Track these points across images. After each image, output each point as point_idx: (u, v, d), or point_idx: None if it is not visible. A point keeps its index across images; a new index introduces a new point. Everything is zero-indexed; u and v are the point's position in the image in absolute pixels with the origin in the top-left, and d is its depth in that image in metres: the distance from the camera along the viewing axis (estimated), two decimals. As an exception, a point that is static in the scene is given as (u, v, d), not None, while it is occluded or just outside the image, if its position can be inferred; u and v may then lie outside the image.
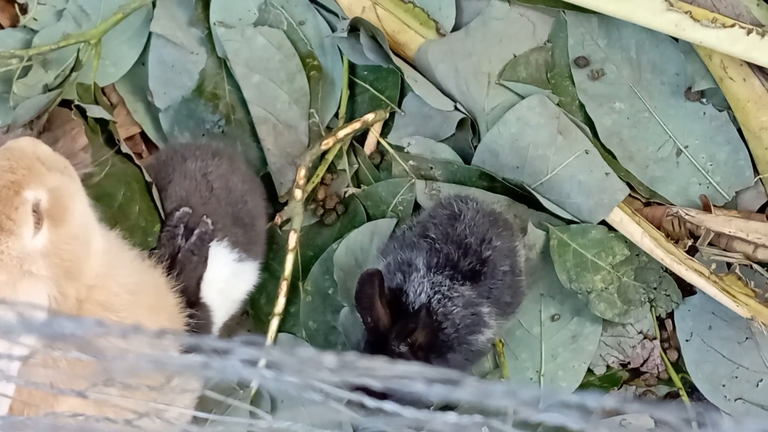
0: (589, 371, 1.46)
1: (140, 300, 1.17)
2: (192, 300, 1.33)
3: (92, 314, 1.10)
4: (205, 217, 1.36)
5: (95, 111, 1.44)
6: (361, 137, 1.54)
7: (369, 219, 1.49)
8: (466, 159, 1.50)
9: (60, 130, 1.44)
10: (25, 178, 1.06)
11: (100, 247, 1.14)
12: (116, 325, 0.50)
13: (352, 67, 1.56)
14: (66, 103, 1.47)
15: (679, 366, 1.47)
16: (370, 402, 0.55)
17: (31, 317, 0.49)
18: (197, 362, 0.51)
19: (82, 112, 1.43)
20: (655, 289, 1.45)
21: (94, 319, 0.50)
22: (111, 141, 1.44)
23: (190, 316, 1.29)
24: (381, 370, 0.49)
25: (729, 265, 1.46)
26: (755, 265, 1.45)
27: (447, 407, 1.36)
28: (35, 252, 1.06)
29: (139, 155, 1.57)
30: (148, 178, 1.38)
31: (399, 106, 1.53)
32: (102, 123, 1.45)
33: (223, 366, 0.50)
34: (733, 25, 1.42)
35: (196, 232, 1.35)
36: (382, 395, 0.57)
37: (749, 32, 1.42)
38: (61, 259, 1.07)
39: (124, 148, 1.42)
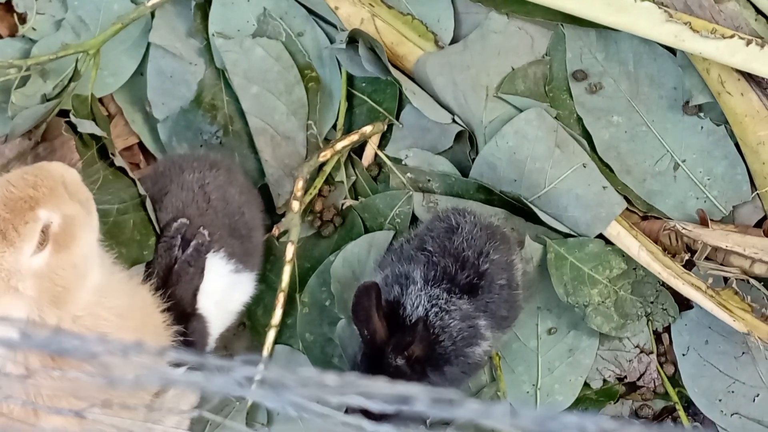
0: (586, 385, 1.45)
1: (128, 323, 1.17)
2: (188, 311, 1.33)
3: None
4: (202, 228, 1.35)
5: (86, 126, 1.43)
6: (359, 149, 1.54)
7: (366, 231, 1.48)
8: (464, 172, 1.50)
9: (57, 140, 1.44)
10: (44, 197, 1.07)
11: (96, 281, 1.14)
12: (118, 342, 0.50)
13: (350, 79, 1.56)
14: (64, 113, 1.46)
15: (675, 380, 1.47)
16: (368, 425, 0.55)
17: (34, 333, 0.49)
18: (199, 379, 0.51)
19: (74, 127, 1.42)
20: (651, 303, 1.45)
21: (96, 336, 0.50)
22: (105, 154, 1.44)
23: (185, 330, 1.29)
24: (382, 389, 0.49)
25: (726, 279, 1.45)
26: (752, 280, 1.45)
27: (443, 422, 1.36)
28: (28, 270, 1.05)
29: (137, 165, 1.57)
30: (142, 192, 1.38)
31: (397, 119, 1.53)
32: (96, 136, 1.44)
33: (223, 383, 0.50)
34: (732, 36, 1.42)
35: (193, 243, 1.34)
36: (379, 417, 0.57)
37: (748, 43, 1.42)
38: (53, 284, 1.07)
39: (119, 162, 1.41)
